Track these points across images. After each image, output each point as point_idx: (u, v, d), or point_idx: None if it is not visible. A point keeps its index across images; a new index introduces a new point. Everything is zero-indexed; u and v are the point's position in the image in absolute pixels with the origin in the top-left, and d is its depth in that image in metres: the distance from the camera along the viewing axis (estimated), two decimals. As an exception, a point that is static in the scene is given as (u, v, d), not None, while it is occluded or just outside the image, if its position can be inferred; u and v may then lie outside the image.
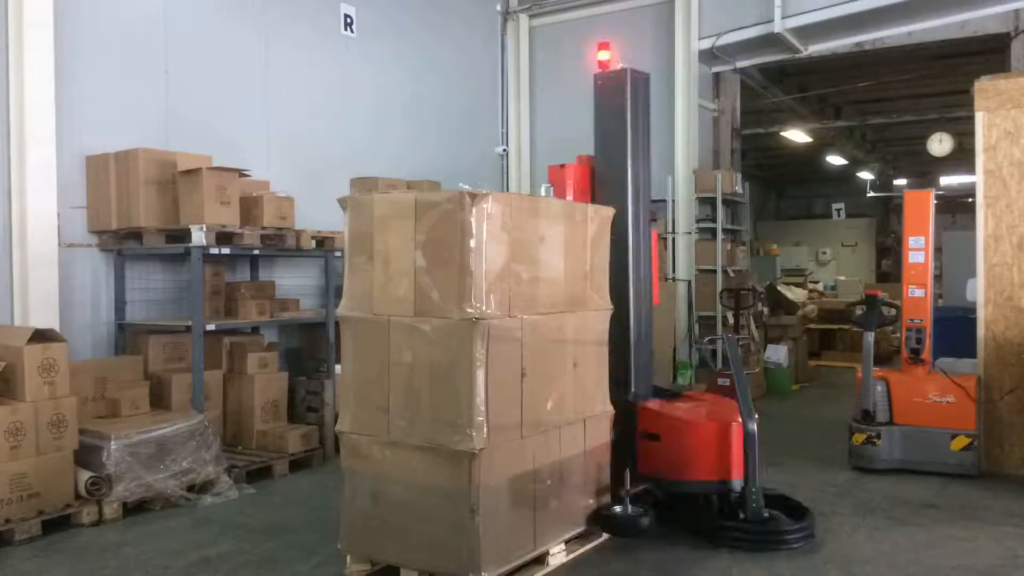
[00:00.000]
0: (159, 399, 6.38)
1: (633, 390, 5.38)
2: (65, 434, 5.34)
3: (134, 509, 5.57)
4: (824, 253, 22.93)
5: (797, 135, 15.26)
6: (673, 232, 10.43)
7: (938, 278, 9.17)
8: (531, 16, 11.48)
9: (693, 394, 6.16)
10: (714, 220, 10.25)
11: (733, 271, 10.38)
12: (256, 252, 6.95)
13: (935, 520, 5.39)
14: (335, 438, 5.56)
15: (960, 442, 6.32)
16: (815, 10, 9.47)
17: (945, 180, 18.23)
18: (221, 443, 6.23)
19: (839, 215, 23.03)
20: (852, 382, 7.04)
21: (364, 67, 9.12)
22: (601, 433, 4.96)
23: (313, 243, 7.14)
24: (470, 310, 3.95)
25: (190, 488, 5.78)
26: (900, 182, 21.40)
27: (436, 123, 10.11)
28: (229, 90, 7.65)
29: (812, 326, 13.81)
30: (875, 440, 6.49)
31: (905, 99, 14.41)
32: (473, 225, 3.97)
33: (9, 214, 6.09)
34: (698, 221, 10.39)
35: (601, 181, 5.63)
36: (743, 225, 11.19)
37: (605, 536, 4.90)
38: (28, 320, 5.96)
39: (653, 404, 5.32)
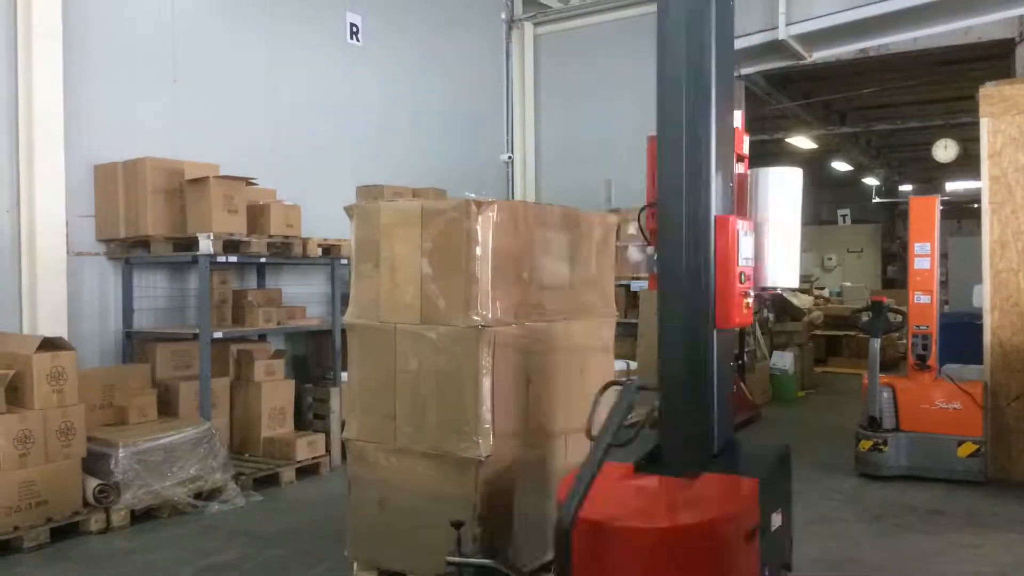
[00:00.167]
0: (166, 407, 6.41)
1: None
2: (73, 442, 5.37)
3: (142, 516, 5.59)
4: (830, 259, 22.90)
5: (802, 141, 15.26)
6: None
7: (944, 284, 9.18)
8: (536, 24, 11.51)
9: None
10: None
11: (738, 277, 10.36)
12: (263, 260, 6.99)
13: (942, 527, 5.38)
14: (342, 445, 5.60)
15: (967, 448, 6.31)
16: (819, 17, 9.48)
17: (951, 186, 18.21)
18: (228, 450, 6.25)
19: (845, 221, 23.01)
20: (858, 388, 7.03)
21: (370, 76, 9.16)
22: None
23: (320, 251, 7.17)
24: (476, 318, 3.97)
25: (197, 495, 5.80)
26: (906, 188, 21.41)
27: (442, 131, 10.15)
28: (236, 99, 7.69)
29: (818, 332, 13.78)
30: (881, 447, 6.48)
31: (910, 105, 14.41)
32: (479, 233, 3.99)
33: (18, 223, 6.12)
34: (703, 228, 10.37)
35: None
36: (748, 231, 11.16)
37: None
38: (37, 328, 6.00)
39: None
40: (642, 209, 4.34)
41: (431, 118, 9.98)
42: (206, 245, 6.21)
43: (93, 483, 5.39)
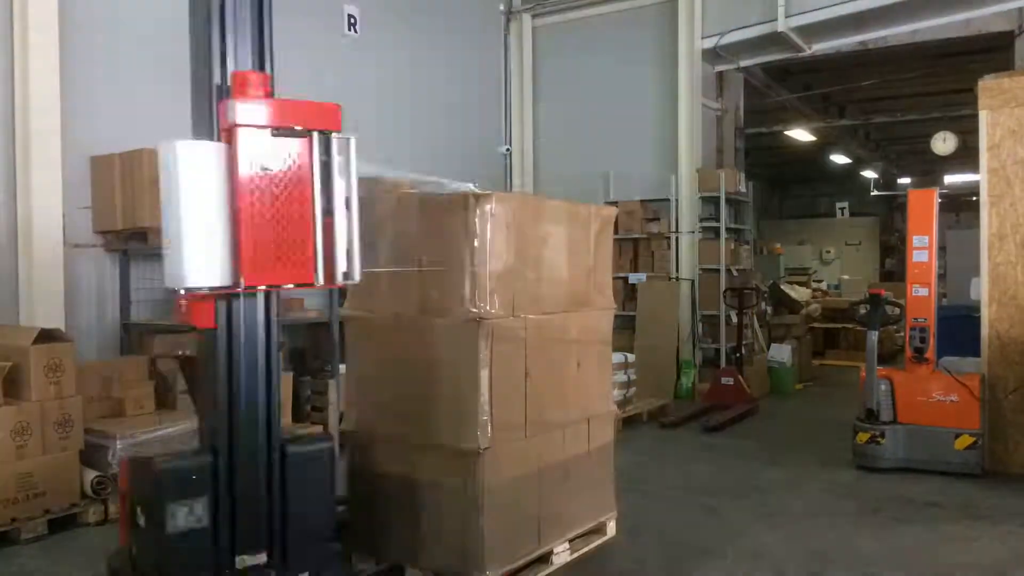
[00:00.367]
0: (164, 399, 6.40)
1: None
2: (71, 434, 5.36)
3: (140, 508, 5.59)
4: (828, 252, 22.91)
5: (801, 134, 15.25)
6: (676, 231, 10.44)
7: (942, 277, 9.17)
8: (534, 16, 11.48)
9: None
10: (717, 219, 10.25)
11: (737, 270, 10.38)
12: (260, 252, 6.96)
13: (939, 519, 5.39)
14: (340, 437, 5.58)
15: (964, 441, 6.31)
16: (818, 9, 9.47)
17: (949, 179, 18.20)
18: (226, 442, 6.23)
19: (843, 214, 23.01)
20: (856, 381, 7.04)
21: (367, 67, 9.13)
22: (605, 433, 4.97)
23: (317, 243, 7.14)
24: (474, 310, 3.97)
25: (195, 487, 5.79)
26: (904, 181, 21.38)
27: (439, 123, 10.13)
28: (233, 90, 7.66)
29: (816, 325, 13.81)
30: (879, 439, 6.49)
31: (909, 98, 14.39)
32: (477, 225, 3.98)
33: (15, 215, 6.11)
34: (702, 220, 10.40)
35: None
36: (747, 224, 11.19)
37: (610, 535, 4.91)
38: (34, 320, 5.98)
39: None
40: None
41: (429, 110, 9.95)
42: (203, 237, 6.17)
43: (91, 475, 5.39)
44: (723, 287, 10.08)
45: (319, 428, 7.05)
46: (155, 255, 6.80)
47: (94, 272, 6.64)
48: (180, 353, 6.40)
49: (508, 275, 4.15)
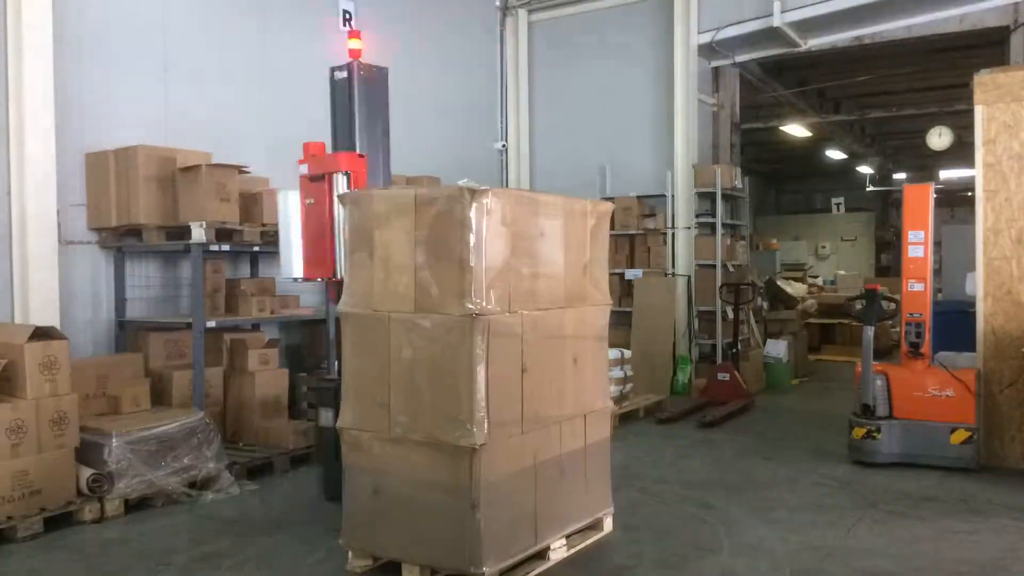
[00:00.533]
0: (160, 396, 6.39)
1: None
2: (66, 431, 5.35)
3: (136, 506, 5.58)
4: (823, 247, 22.94)
5: (796, 129, 15.26)
6: (673, 227, 10.44)
7: (937, 272, 9.18)
8: (530, 11, 11.47)
9: None
10: (713, 215, 10.25)
11: (733, 266, 10.39)
12: (256, 249, 6.96)
13: (935, 513, 5.40)
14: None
15: (960, 436, 6.33)
16: (814, 4, 9.47)
17: (944, 174, 18.22)
18: (222, 440, 6.23)
19: (838, 209, 23.02)
20: (852, 376, 7.05)
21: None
22: (601, 428, 4.97)
23: (313, 240, 7.13)
24: (470, 306, 3.96)
25: (191, 484, 5.78)
26: (900, 176, 21.41)
27: (435, 119, 10.11)
28: (228, 86, 7.64)
29: (812, 321, 13.83)
30: (875, 434, 6.50)
31: (904, 93, 14.41)
32: (473, 221, 3.97)
33: (9, 212, 6.09)
34: (698, 216, 10.40)
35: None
36: (743, 220, 11.20)
37: (607, 530, 4.91)
38: (29, 318, 5.97)
39: None
40: None
41: (425, 106, 9.93)
42: (199, 234, 6.18)
43: (87, 472, 5.38)
44: (719, 283, 10.09)
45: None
46: (150, 252, 6.81)
47: (89, 269, 6.62)
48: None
49: (504, 271, 4.15)
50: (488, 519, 4.00)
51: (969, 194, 7.02)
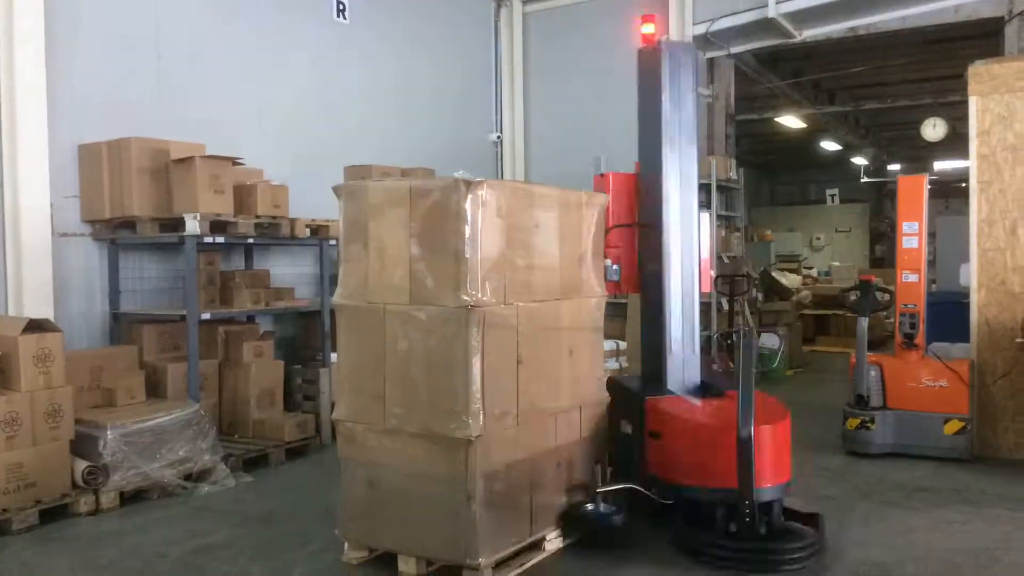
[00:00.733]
0: (155, 388, 6.38)
1: (668, 387, 5.09)
2: (61, 424, 5.34)
3: (131, 498, 5.58)
4: (818, 239, 22.97)
5: (791, 121, 15.26)
6: (668, 218, 10.42)
7: (932, 263, 9.20)
8: (524, 2, 11.43)
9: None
10: (708, 206, 10.24)
11: (728, 257, 10.40)
12: (250, 241, 6.94)
13: (929, 504, 5.42)
14: (331, 426, 5.58)
15: (953, 426, 6.36)
16: (809, -5, 9.46)
17: (939, 165, 18.26)
18: (217, 432, 6.23)
19: (833, 201, 23.07)
20: (846, 367, 7.07)
21: (357, 54, 9.07)
22: (597, 420, 4.97)
23: (308, 231, 7.12)
24: (465, 298, 3.96)
25: (187, 477, 5.78)
26: (894, 167, 21.45)
27: (430, 110, 10.08)
28: (222, 78, 7.61)
29: (806, 312, 13.85)
30: (869, 425, 6.52)
31: (899, 84, 14.41)
32: (468, 212, 3.97)
33: (2, 204, 6.06)
34: (693, 207, 10.38)
35: (643, 163, 5.88)
36: (737, 211, 11.19)
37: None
38: (22, 310, 5.95)
39: (663, 402, 4.93)
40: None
41: (419, 97, 9.91)
42: (192, 226, 6.16)
43: (82, 465, 5.38)
44: (714, 274, 10.09)
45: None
46: (144, 244, 6.79)
47: (83, 261, 6.59)
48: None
49: (500, 262, 4.14)
50: (483, 510, 4.01)
51: (963, 185, 7.04)
